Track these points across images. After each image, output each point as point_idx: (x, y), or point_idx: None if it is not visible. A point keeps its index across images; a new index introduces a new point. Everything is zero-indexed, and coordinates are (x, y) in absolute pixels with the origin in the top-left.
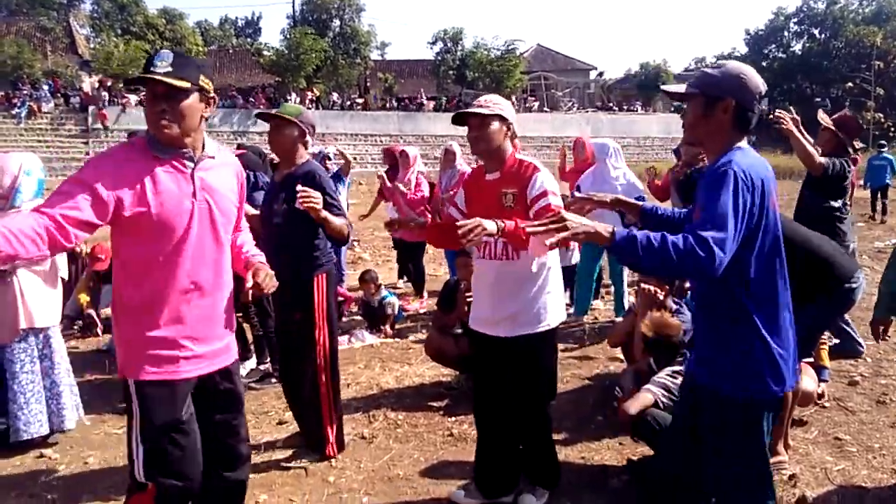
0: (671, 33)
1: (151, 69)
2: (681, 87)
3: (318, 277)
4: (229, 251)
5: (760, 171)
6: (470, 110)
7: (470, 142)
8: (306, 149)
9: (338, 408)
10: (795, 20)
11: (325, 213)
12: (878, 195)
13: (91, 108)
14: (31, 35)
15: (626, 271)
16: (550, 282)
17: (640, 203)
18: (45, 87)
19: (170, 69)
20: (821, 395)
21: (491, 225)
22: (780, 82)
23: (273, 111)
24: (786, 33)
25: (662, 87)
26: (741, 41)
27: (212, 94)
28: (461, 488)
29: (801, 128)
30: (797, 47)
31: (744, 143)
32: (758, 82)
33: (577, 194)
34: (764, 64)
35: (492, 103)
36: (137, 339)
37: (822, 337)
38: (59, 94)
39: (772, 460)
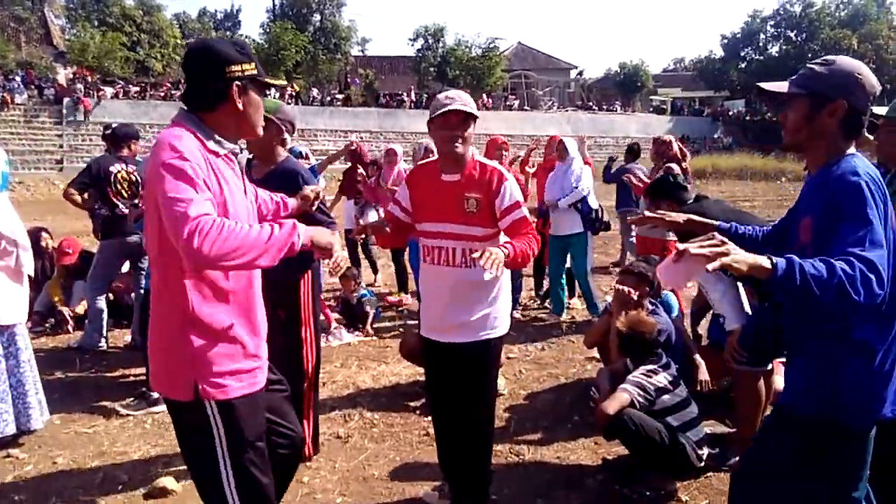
0: (650, 34)
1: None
2: (783, 86)
3: (305, 276)
4: None
5: (878, 177)
6: (460, 108)
7: (448, 141)
8: (284, 146)
9: (316, 408)
10: (772, 23)
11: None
12: None
13: (66, 99)
14: (4, 25)
15: (590, 269)
16: (503, 289)
17: (718, 223)
18: (18, 78)
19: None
20: None
21: (500, 253)
22: (756, 84)
23: None
24: (762, 36)
25: (761, 84)
26: (717, 44)
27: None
28: (435, 489)
29: None
30: (773, 50)
31: (853, 150)
32: (873, 82)
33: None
34: (742, 66)
35: (469, 103)
36: (218, 356)
37: None
38: (32, 86)
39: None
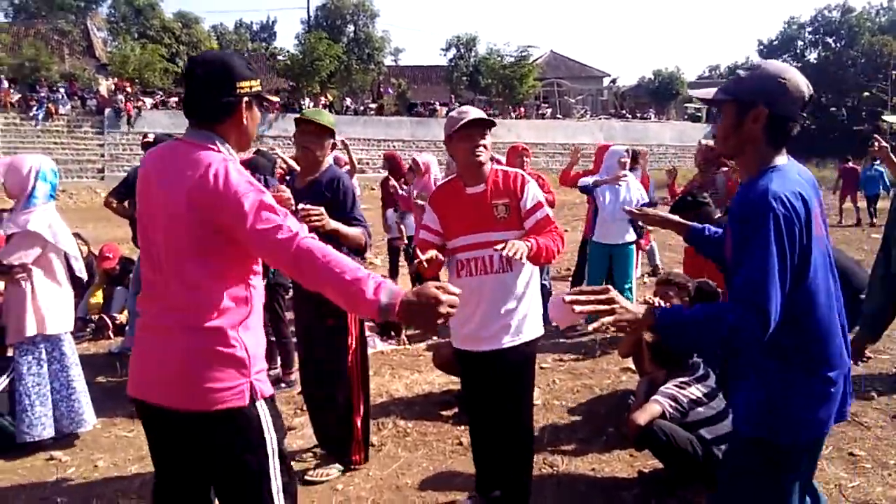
0: (685, 41)
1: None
2: (711, 92)
3: None
4: None
5: (803, 190)
6: (476, 116)
7: (470, 152)
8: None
9: (365, 416)
10: (810, 29)
11: (333, 224)
12: (870, 203)
13: (108, 109)
14: (49, 38)
15: (635, 277)
16: (534, 292)
17: (691, 224)
18: (62, 90)
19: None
20: None
21: (524, 246)
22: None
23: (316, 119)
24: (799, 42)
25: (691, 90)
26: (754, 51)
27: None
28: (469, 497)
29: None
30: (812, 56)
31: (782, 160)
32: (799, 86)
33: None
34: None
35: (481, 113)
36: (260, 357)
37: None
38: (75, 97)
39: None
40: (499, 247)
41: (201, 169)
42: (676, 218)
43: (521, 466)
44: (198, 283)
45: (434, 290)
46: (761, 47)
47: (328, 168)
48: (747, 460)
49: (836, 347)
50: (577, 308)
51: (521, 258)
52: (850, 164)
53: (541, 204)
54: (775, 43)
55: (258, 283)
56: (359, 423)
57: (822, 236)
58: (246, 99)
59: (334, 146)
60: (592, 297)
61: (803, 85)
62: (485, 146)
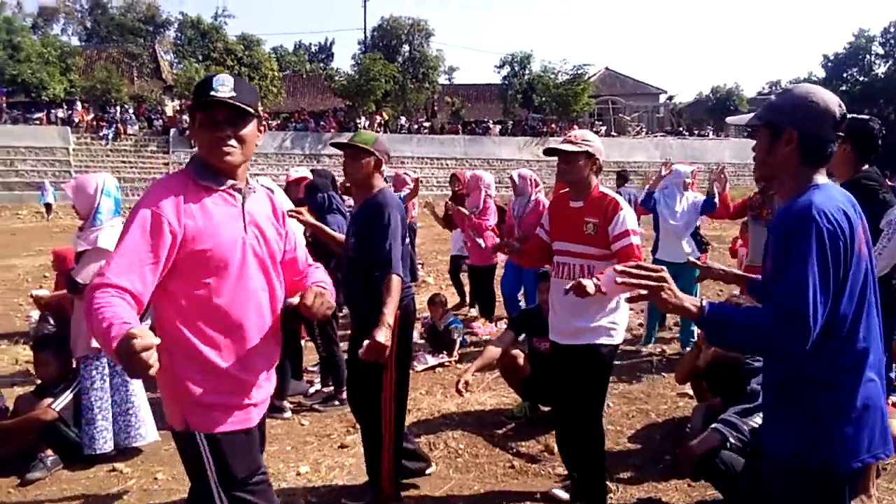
0: (745, 56)
1: (212, 93)
2: (745, 118)
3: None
4: (281, 289)
5: (845, 208)
6: (560, 147)
7: (559, 172)
8: (381, 176)
9: (398, 443)
10: (880, 41)
11: (309, 219)
12: None
13: (173, 130)
14: (119, 61)
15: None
16: (621, 303)
17: (751, 277)
18: (131, 111)
19: (233, 93)
20: None
21: (590, 286)
22: (859, 107)
23: (347, 140)
24: (868, 56)
25: (728, 119)
26: (819, 65)
27: (263, 122)
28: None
29: None
30: (880, 70)
31: (822, 179)
32: (830, 106)
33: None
34: (843, 88)
35: (581, 140)
36: (207, 391)
37: None
38: (142, 118)
39: None
40: (568, 286)
41: None
42: (736, 271)
43: (590, 465)
44: (152, 301)
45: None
46: (827, 61)
47: (378, 192)
48: (795, 487)
49: (874, 372)
50: (619, 279)
51: (579, 295)
52: None
53: (628, 232)
54: (842, 57)
55: (209, 318)
56: (386, 457)
57: (866, 259)
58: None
59: (378, 164)
60: (644, 274)
61: (833, 105)
62: (565, 170)
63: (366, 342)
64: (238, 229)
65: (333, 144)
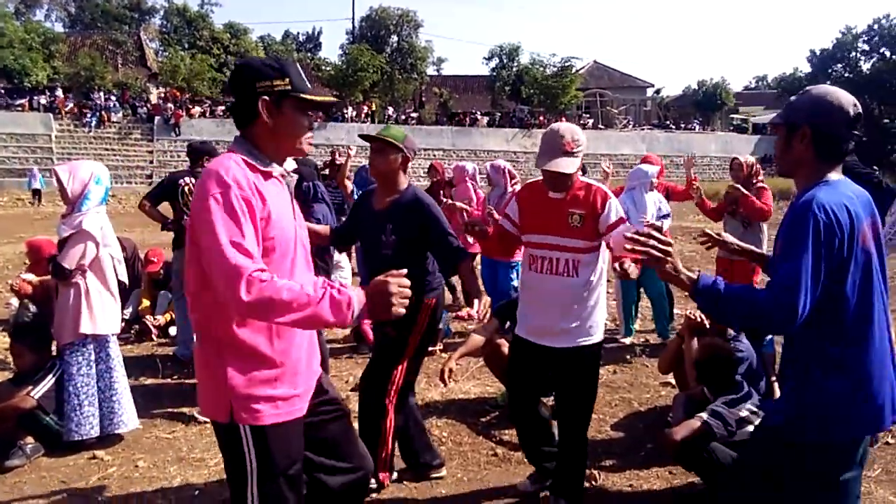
0: (732, 50)
1: (313, 96)
2: (769, 118)
3: (428, 301)
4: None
5: (851, 204)
6: (560, 170)
7: (555, 178)
8: (406, 174)
9: (394, 437)
10: (865, 38)
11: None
12: None
13: (157, 117)
14: (103, 48)
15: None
16: (601, 298)
17: (768, 255)
18: (115, 98)
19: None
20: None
21: (633, 270)
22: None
23: (378, 133)
24: (853, 52)
25: (765, 120)
26: (805, 60)
27: None
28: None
29: None
30: (865, 67)
31: (835, 176)
32: (843, 105)
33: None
34: (828, 83)
35: (576, 146)
36: (254, 381)
37: None
38: (127, 105)
39: None
40: (617, 265)
41: (204, 174)
42: (753, 248)
43: (574, 464)
44: (190, 290)
45: (385, 284)
46: (813, 56)
47: (408, 188)
48: (767, 451)
49: (878, 355)
50: (628, 245)
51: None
52: None
53: (623, 220)
54: (827, 52)
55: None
56: (387, 439)
57: (872, 252)
58: (265, 97)
59: (405, 161)
60: (652, 243)
61: (848, 104)
62: (564, 176)
63: (482, 301)
64: (291, 218)
65: (362, 136)
